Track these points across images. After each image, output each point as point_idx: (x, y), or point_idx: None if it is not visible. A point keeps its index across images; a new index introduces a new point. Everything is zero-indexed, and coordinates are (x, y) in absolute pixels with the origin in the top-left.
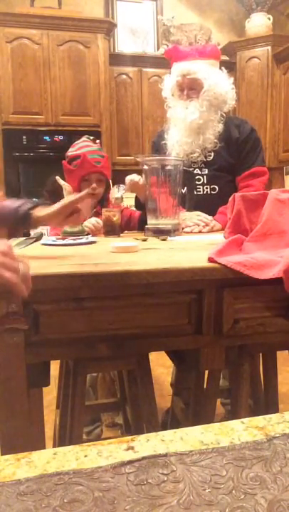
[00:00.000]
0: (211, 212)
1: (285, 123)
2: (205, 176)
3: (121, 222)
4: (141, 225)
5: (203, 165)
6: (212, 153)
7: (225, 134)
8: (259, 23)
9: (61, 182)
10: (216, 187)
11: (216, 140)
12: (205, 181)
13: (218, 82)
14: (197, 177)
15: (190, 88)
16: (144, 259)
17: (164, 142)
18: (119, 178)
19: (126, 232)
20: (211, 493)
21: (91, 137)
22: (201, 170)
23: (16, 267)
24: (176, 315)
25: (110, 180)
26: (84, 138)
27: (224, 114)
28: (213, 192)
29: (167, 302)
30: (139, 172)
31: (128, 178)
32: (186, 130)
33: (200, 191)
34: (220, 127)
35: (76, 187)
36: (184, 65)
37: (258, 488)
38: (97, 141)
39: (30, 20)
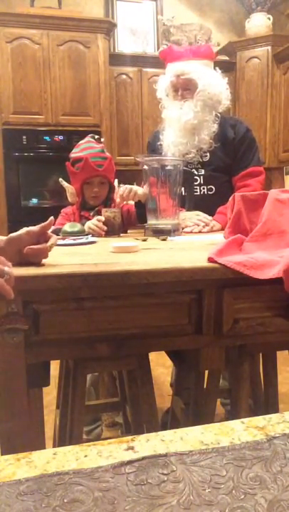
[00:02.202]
0: (208, 212)
1: (285, 123)
2: (201, 177)
3: (122, 219)
4: (140, 218)
5: (199, 165)
6: (208, 154)
7: (220, 134)
8: (259, 23)
9: (64, 184)
10: (213, 187)
11: (211, 140)
12: (201, 182)
13: (213, 83)
14: (193, 176)
15: (184, 88)
16: (144, 259)
17: (159, 143)
18: (119, 178)
19: (129, 231)
20: (211, 493)
21: (96, 136)
22: (197, 170)
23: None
24: (176, 315)
25: (116, 180)
26: (88, 138)
27: (219, 115)
28: (209, 192)
29: (167, 302)
30: (139, 172)
31: (120, 194)
32: (180, 130)
33: (196, 192)
34: (215, 127)
35: (78, 189)
36: (178, 65)
37: (258, 488)
38: (102, 139)
39: (30, 20)
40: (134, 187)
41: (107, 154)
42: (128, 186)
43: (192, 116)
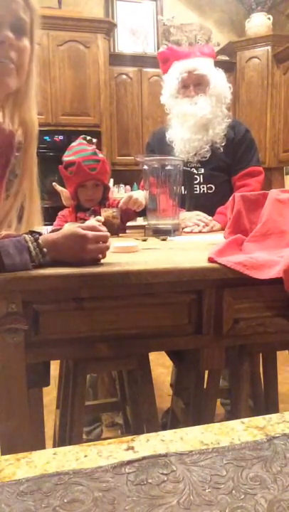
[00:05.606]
0: (208, 211)
1: (285, 123)
2: (201, 176)
3: (121, 215)
4: (140, 213)
5: (199, 164)
6: (209, 153)
7: None
8: (259, 23)
9: (58, 188)
10: (213, 186)
11: (224, 134)
12: (201, 180)
13: (220, 80)
14: (194, 176)
15: (196, 84)
16: (144, 259)
17: (168, 142)
18: (119, 177)
19: (129, 231)
20: (211, 493)
21: (88, 138)
22: (197, 169)
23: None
24: (176, 315)
25: (112, 180)
26: (80, 140)
27: (226, 112)
28: (209, 191)
29: (167, 302)
30: (139, 172)
31: (120, 206)
32: (195, 126)
33: (196, 190)
34: (226, 123)
35: (73, 192)
36: (189, 62)
37: (258, 488)
38: (94, 140)
39: None
40: (134, 194)
41: (100, 156)
42: (128, 195)
43: (209, 110)
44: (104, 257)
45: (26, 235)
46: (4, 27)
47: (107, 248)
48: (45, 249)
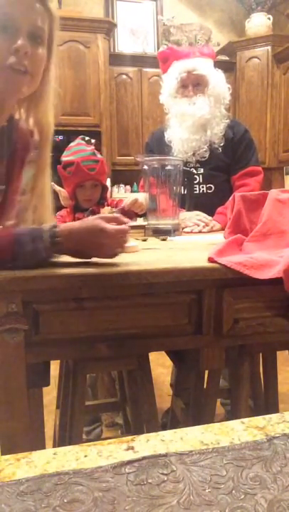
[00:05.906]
0: (208, 211)
1: (285, 123)
2: (201, 175)
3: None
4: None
5: (198, 164)
6: (207, 153)
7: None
8: (259, 23)
9: (57, 188)
10: (212, 186)
11: (222, 135)
12: (201, 180)
13: (219, 80)
14: (193, 176)
15: (195, 84)
16: (144, 259)
17: (167, 141)
18: (119, 178)
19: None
20: (211, 493)
21: (86, 138)
22: (196, 169)
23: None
24: (176, 315)
25: (109, 180)
26: (78, 140)
27: (225, 112)
28: (209, 191)
29: (167, 302)
30: (139, 172)
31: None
32: (193, 126)
33: (196, 190)
34: (225, 123)
35: (71, 192)
36: (189, 61)
37: (258, 488)
38: (93, 141)
39: None
40: (139, 197)
41: (99, 156)
42: (132, 198)
43: (207, 111)
44: (122, 251)
45: (46, 224)
46: (21, 35)
47: (125, 242)
48: (58, 239)
